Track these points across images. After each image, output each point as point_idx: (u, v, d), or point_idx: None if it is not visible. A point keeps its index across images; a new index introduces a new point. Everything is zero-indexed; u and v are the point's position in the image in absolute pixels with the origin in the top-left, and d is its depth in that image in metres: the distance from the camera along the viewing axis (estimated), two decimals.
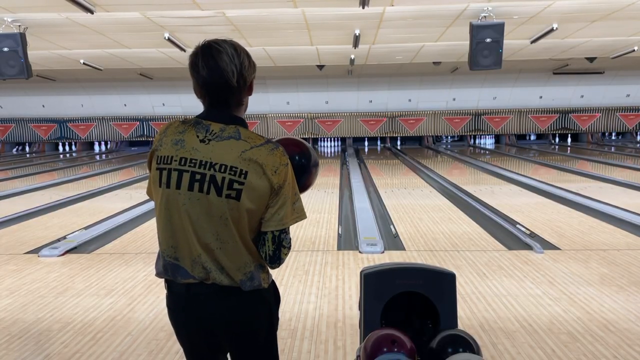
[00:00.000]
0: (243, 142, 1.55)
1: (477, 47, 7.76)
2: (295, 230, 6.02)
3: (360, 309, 2.17)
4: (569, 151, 16.47)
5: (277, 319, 1.75)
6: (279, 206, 1.58)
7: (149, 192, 1.73)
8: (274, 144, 1.59)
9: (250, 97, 1.66)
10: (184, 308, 1.65)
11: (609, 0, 7.34)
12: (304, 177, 1.70)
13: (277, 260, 1.61)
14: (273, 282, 1.72)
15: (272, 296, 1.71)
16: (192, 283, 1.60)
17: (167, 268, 1.63)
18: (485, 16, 7.64)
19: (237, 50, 1.59)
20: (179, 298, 1.65)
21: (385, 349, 1.77)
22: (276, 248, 1.60)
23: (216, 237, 1.55)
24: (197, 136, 1.56)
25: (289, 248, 1.63)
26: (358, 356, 1.90)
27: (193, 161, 1.55)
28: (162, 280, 1.70)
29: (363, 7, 6.85)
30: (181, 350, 3.02)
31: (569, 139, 19.29)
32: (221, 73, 1.54)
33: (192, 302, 1.62)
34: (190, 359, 1.80)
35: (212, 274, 1.57)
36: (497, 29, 7.65)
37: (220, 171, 1.52)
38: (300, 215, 1.63)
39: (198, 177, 1.54)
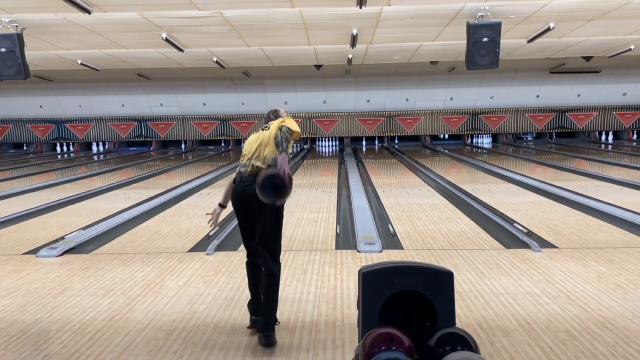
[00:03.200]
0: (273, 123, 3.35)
1: (474, 47, 7.77)
2: (294, 230, 6.03)
3: (358, 307, 2.18)
4: (565, 150, 16.52)
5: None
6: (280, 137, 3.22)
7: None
8: (280, 121, 3.30)
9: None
10: (238, 189, 3.23)
11: None
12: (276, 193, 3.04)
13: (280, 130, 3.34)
14: None
15: None
16: (242, 177, 3.21)
17: (238, 166, 3.30)
18: (482, 15, 7.65)
19: (282, 110, 3.48)
20: (237, 185, 3.24)
21: (383, 348, 1.78)
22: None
23: (264, 149, 3.21)
24: (262, 128, 3.37)
25: (286, 131, 3.25)
26: (357, 355, 1.91)
27: (260, 130, 3.35)
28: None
29: (360, 7, 6.86)
30: (180, 349, 3.05)
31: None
32: (278, 115, 3.43)
33: (241, 185, 3.21)
34: (239, 220, 3.33)
35: (252, 161, 3.20)
36: (494, 29, 7.65)
37: (267, 128, 3.30)
38: (291, 125, 3.29)
39: (261, 132, 3.31)
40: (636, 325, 3.27)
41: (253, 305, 3.33)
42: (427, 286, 2.05)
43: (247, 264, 3.39)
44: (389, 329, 1.85)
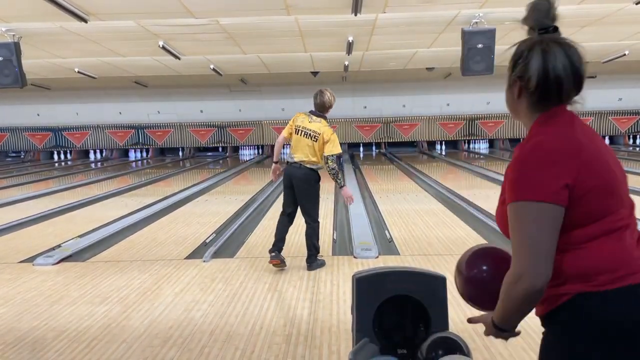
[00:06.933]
0: (321, 124, 4.74)
1: (469, 53, 7.81)
2: (290, 236, 5.99)
3: (352, 313, 2.19)
4: None
5: (319, 184, 4.76)
6: (329, 146, 4.63)
7: (288, 135, 4.84)
8: (330, 126, 4.77)
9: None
10: (286, 170, 4.72)
11: (599, 6, 7.42)
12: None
13: (326, 162, 4.68)
14: (318, 172, 4.72)
15: (317, 175, 4.71)
16: (291, 163, 4.69)
17: (287, 159, 4.81)
18: (476, 22, 7.70)
19: (330, 92, 4.89)
20: (286, 168, 4.74)
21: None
22: (326, 161, 4.66)
23: (307, 150, 4.64)
24: (307, 119, 4.79)
25: (333, 160, 4.67)
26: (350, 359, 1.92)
27: (305, 127, 4.72)
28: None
29: (356, 15, 6.89)
30: (176, 356, 3.05)
31: None
32: (323, 100, 4.83)
33: (289, 169, 4.71)
34: (284, 193, 4.81)
35: (297, 156, 4.66)
36: (489, 35, 7.70)
37: (312, 131, 4.69)
38: (336, 149, 4.68)
39: (306, 132, 4.70)
40: None
41: (276, 240, 4.77)
42: (420, 291, 2.07)
43: (280, 214, 4.87)
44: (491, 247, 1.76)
